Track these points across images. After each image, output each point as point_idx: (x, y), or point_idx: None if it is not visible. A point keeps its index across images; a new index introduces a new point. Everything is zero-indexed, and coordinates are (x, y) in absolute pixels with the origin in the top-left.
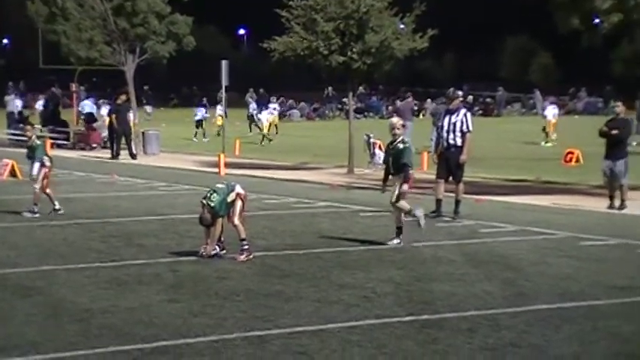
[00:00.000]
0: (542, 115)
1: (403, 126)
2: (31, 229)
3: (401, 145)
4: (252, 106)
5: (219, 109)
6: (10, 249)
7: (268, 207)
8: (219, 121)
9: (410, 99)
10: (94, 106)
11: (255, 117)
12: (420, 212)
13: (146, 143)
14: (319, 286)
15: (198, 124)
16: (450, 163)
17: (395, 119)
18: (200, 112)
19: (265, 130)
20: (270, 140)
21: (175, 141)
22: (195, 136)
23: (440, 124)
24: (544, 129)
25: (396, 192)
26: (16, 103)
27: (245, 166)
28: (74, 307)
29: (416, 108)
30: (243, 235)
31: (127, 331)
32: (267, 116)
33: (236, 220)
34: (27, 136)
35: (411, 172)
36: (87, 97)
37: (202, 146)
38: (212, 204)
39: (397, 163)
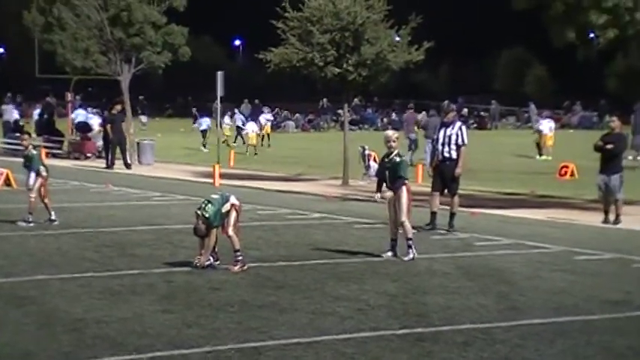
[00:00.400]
0: (535, 130)
1: (410, 138)
2: (24, 238)
3: (397, 159)
4: (239, 117)
5: (228, 120)
6: (4, 258)
7: (262, 218)
8: (227, 132)
9: (412, 110)
10: (88, 116)
11: (241, 128)
12: (414, 254)
13: (141, 153)
14: (313, 298)
15: (204, 133)
16: (445, 175)
17: (390, 132)
18: (205, 122)
19: (252, 142)
20: (256, 154)
21: (175, 151)
22: (204, 146)
23: (435, 136)
24: (537, 144)
25: (404, 209)
26: (13, 113)
27: (239, 177)
28: (68, 316)
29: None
30: (237, 246)
31: (121, 342)
32: (254, 127)
33: (230, 231)
34: (23, 146)
35: (407, 184)
36: (80, 107)
37: (201, 156)
38: (207, 215)
39: (393, 177)
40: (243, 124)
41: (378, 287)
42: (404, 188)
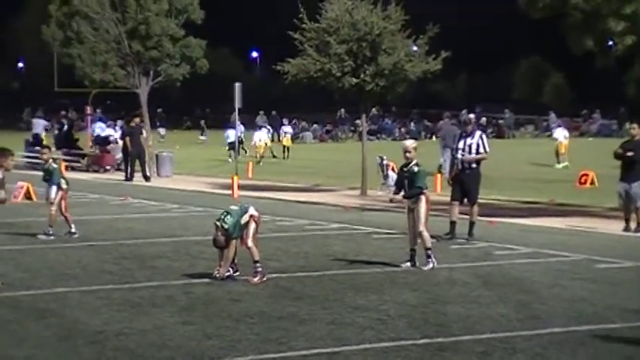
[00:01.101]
0: (552, 138)
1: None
2: (45, 251)
3: (415, 168)
4: (240, 128)
5: (258, 134)
6: (24, 271)
7: (281, 229)
8: (261, 147)
9: (448, 119)
10: (105, 129)
11: (241, 140)
12: (433, 263)
13: (159, 165)
14: (333, 309)
15: (231, 145)
16: (464, 185)
17: (408, 142)
18: (232, 134)
19: (259, 151)
20: (259, 162)
21: (193, 163)
22: (230, 157)
23: (455, 146)
24: (556, 152)
25: (422, 219)
26: (41, 126)
27: (258, 188)
28: (88, 329)
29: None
30: (256, 257)
31: (141, 354)
32: (263, 136)
33: (249, 243)
34: (43, 159)
35: (426, 194)
36: (99, 120)
37: (220, 168)
38: (226, 226)
39: (411, 186)
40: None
41: (397, 297)
42: (422, 198)
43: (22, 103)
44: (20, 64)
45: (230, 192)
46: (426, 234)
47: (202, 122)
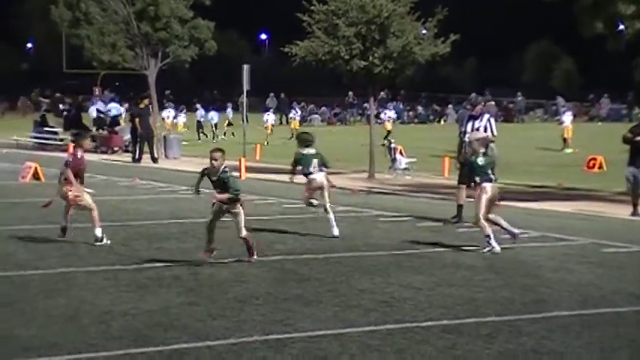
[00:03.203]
0: (559, 122)
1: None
2: (53, 231)
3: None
4: (200, 112)
5: (266, 116)
6: (32, 251)
7: (288, 211)
8: (295, 125)
9: (492, 103)
10: (120, 109)
11: (201, 123)
12: (493, 246)
13: (167, 147)
14: (338, 291)
15: (216, 126)
16: None
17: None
18: (215, 115)
19: (267, 131)
20: (267, 143)
21: (203, 145)
22: (211, 136)
23: (463, 129)
24: (562, 136)
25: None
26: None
27: (265, 171)
28: (94, 309)
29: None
30: (251, 242)
31: (147, 334)
32: (271, 118)
33: (244, 233)
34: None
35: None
36: (111, 100)
37: (228, 150)
38: (237, 188)
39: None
40: (202, 119)
41: (402, 280)
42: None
43: (32, 85)
44: (29, 45)
45: (238, 174)
46: (482, 223)
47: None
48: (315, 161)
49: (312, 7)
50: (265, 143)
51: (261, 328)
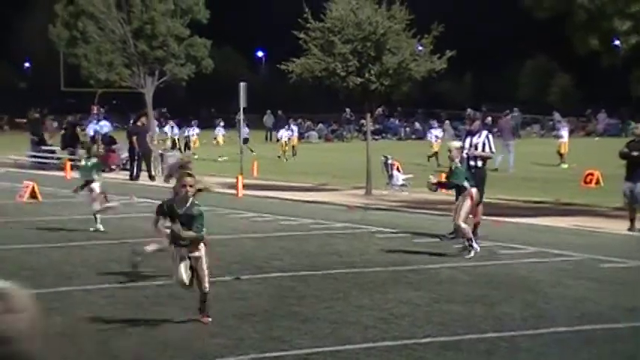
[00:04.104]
0: (556, 137)
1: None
2: (50, 250)
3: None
4: (175, 130)
5: (281, 132)
6: (29, 270)
7: (285, 228)
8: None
9: (509, 117)
10: (100, 124)
11: (176, 139)
12: (475, 250)
13: (165, 165)
14: (336, 307)
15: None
16: None
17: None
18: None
19: (284, 148)
20: (285, 159)
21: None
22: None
23: (460, 145)
24: (559, 152)
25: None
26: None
27: (263, 187)
28: (92, 327)
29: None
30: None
31: (145, 353)
32: (286, 134)
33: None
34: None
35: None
36: (105, 119)
37: (225, 167)
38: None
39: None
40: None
41: (400, 296)
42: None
43: (30, 103)
44: (27, 64)
45: (235, 191)
46: (463, 226)
47: (195, 122)
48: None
49: (309, 25)
50: (284, 160)
51: (259, 346)
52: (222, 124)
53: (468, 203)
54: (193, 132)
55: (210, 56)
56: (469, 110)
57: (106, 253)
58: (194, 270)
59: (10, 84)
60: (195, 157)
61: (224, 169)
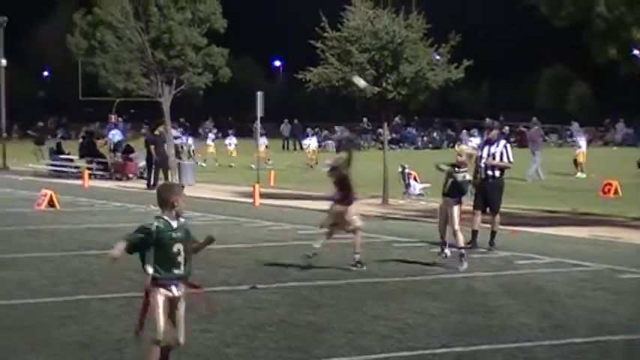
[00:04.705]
0: (576, 147)
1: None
2: (66, 258)
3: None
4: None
5: (307, 140)
6: (45, 278)
7: (302, 237)
8: (311, 154)
9: (537, 127)
10: (122, 135)
11: (179, 147)
12: (464, 267)
13: (182, 174)
14: (352, 317)
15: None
16: (487, 194)
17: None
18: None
19: (311, 156)
20: (311, 166)
21: (214, 171)
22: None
23: (479, 154)
24: (575, 161)
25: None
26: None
27: (279, 197)
28: (108, 337)
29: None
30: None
31: None
32: (313, 143)
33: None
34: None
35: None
36: (115, 127)
37: (244, 176)
38: None
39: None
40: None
41: (417, 306)
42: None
43: (48, 112)
44: (45, 73)
45: (252, 200)
46: (459, 234)
47: (215, 129)
48: None
49: (325, 34)
50: (311, 167)
51: (275, 356)
52: (232, 132)
53: (459, 209)
54: (230, 141)
55: (227, 65)
56: (487, 120)
57: (122, 261)
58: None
59: (28, 93)
60: (233, 165)
61: (243, 178)
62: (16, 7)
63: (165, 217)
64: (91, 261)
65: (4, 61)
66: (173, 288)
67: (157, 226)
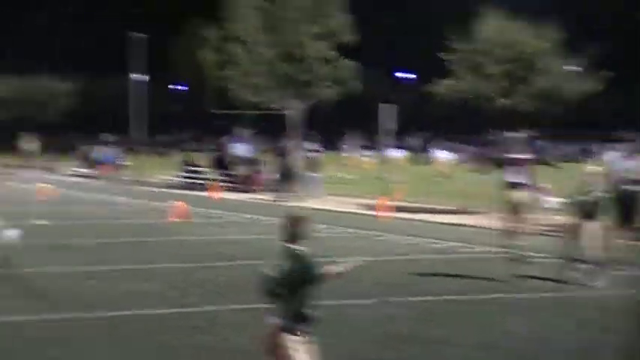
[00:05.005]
0: None
1: None
2: (194, 269)
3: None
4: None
5: (440, 153)
6: (174, 289)
7: (435, 251)
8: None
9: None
10: (248, 148)
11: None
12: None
13: (310, 186)
14: (484, 332)
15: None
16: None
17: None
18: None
19: (443, 168)
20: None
21: (342, 184)
22: None
23: (615, 168)
24: None
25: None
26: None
27: (407, 210)
28: (237, 346)
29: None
30: None
31: None
32: (447, 155)
33: None
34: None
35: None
36: (240, 140)
37: (370, 188)
38: None
39: None
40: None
41: (548, 322)
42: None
43: (183, 126)
44: (181, 87)
45: (380, 213)
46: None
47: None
48: None
49: (455, 47)
50: (443, 179)
51: None
52: (361, 145)
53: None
54: (367, 153)
55: (356, 78)
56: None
57: (250, 272)
58: None
59: (165, 107)
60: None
61: (371, 191)
62: (151, 24)
63: None
64: (219, 272)
65: (146, 77)
66: None
67: None
